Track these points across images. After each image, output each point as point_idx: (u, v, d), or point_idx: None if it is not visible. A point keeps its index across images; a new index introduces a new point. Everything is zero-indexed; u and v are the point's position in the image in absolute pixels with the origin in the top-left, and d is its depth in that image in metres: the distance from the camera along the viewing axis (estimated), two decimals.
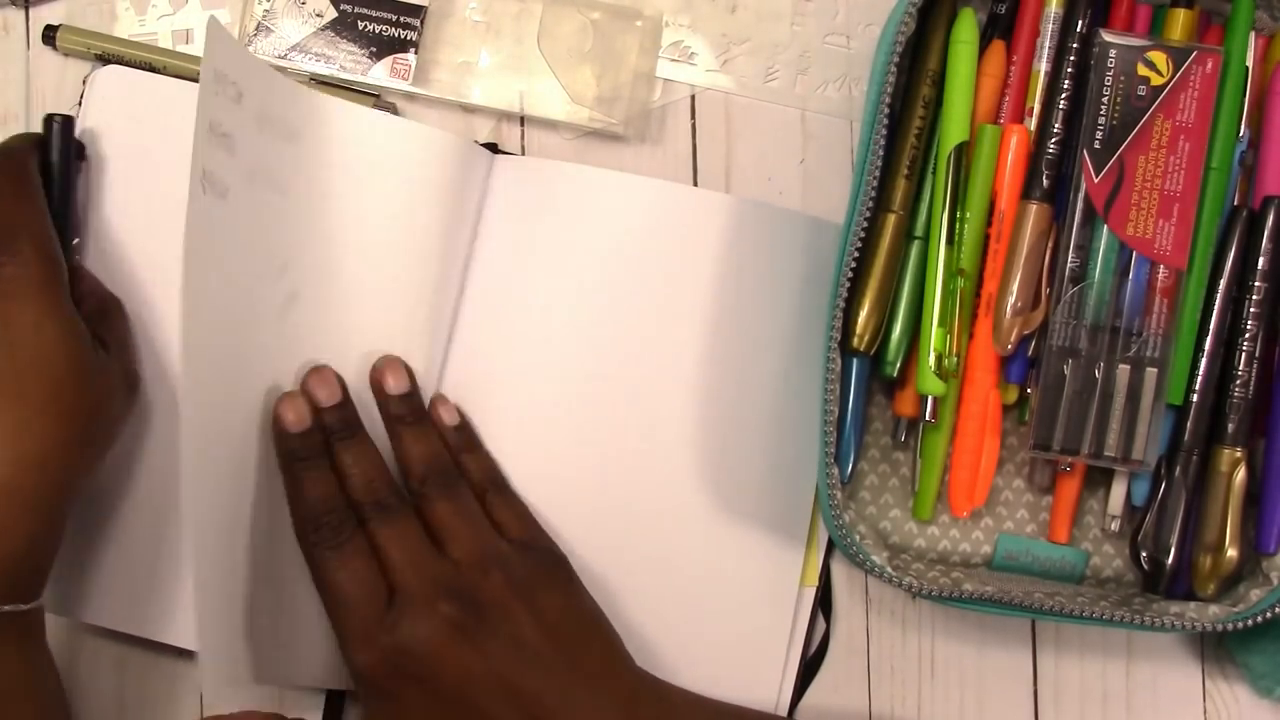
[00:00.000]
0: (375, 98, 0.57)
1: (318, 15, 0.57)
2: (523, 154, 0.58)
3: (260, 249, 0.52)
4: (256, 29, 0.57)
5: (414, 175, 0.55)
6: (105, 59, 0.57)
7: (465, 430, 0.55)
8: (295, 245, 0.53)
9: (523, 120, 0.59)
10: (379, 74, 0.57)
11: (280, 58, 0.57)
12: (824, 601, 0.57)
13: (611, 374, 0.56)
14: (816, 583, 0.57)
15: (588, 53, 0.57)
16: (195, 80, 0.56)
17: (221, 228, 0.50)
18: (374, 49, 0.57)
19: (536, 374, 0.56)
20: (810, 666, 0.57)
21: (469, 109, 0.59)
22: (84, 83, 0.57)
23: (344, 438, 0.52)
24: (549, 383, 0.56)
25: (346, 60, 0.57)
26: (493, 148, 0.58)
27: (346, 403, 0.53)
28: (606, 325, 0.56)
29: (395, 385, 0.54)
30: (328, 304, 0.54)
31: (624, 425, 0.56)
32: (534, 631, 0.50)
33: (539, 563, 0.52)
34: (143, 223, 0.55)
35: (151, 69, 0.57)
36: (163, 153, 0.55)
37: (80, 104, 0.56)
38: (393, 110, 0.57)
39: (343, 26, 0.57)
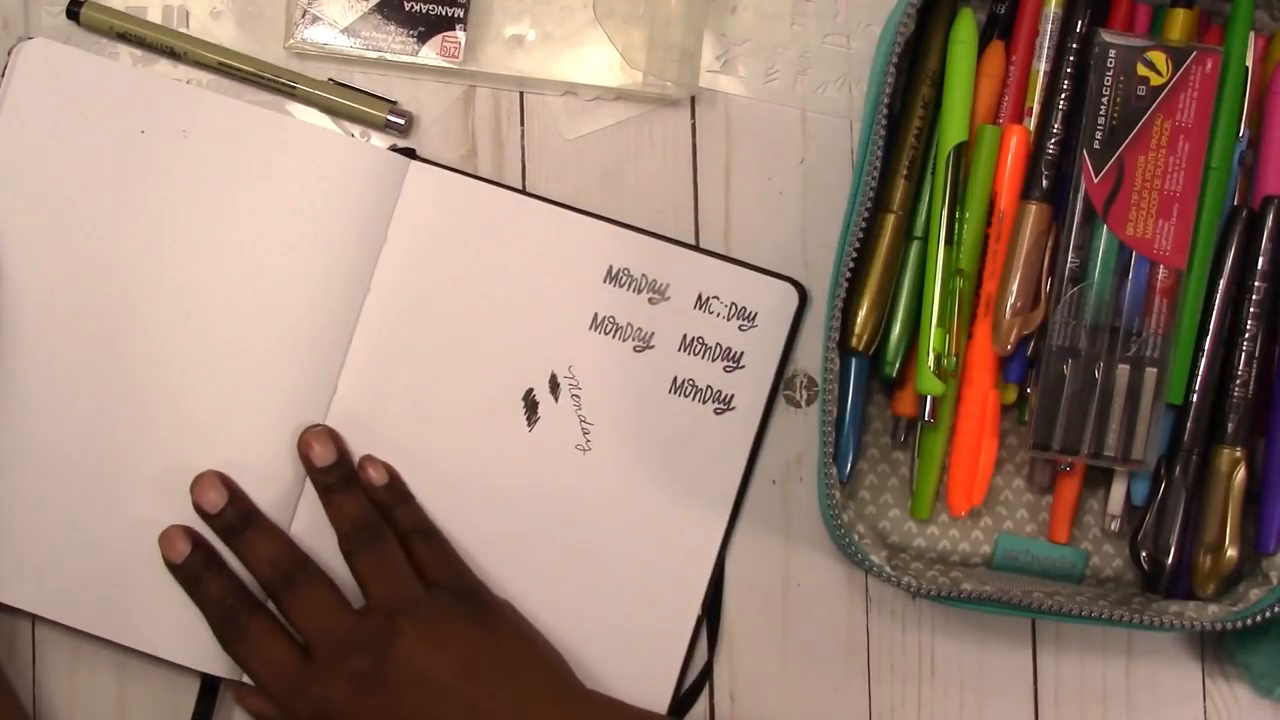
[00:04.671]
0: (392, 104, 0.57)
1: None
2: (566, 123, 0.58)
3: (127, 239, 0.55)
4: (303, 15, 0.57)
5: (311, 178, 0.56)
6: (126, 38, 0.57)
7: (394, 486, 0.56)
8: (174, 234, 0.56)
9: (572, 92, 0.58)
10: (428, 54, 0.57)
11: (326, 44, 0.57)
12: (711, 619, 0.57)
13: (509, 385, 0.56)
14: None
15: (640, 17, 0.57)
16: (213, 69, 0.57)
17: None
18: (421, 29, 0.57)
19: (437, 382, 0.56)
20: (681, 706, 0.57)
21: (522, 82, 0.58)
22: (8, 54, 0.56)
23: (240, 530, 0.54)
24: (450, 391, 0.56)
25: (394, 43, 0.57)
26: (410, 153, 0.57)
27: (235, 497, 0.54)
28: (505, 338, 0.56)
29: (323, 457, 0.55)
30: (209, 293, 0.56)
31: (529, 435, 0.56)
32: (448, 671, 0.51)
33: (453, 602, 0.53)
34: (63, 200, 0.55)
35: (173, 54, 0.57)
36: (88, 133, 0.55)
37: (2, 75, 0.55)
38: (408, 118, 0.57)
39: (389, 9, 0.57)
